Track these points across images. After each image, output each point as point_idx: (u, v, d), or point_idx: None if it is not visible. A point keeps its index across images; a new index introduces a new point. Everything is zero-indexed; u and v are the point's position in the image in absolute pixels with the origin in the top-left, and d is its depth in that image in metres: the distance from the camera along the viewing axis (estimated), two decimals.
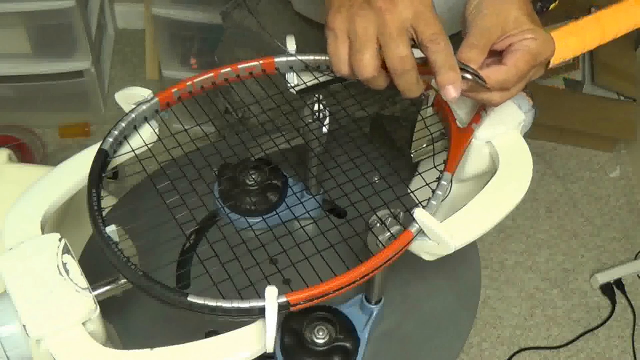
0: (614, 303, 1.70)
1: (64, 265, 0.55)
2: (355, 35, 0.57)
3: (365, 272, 0.56)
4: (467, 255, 0.84)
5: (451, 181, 0.63)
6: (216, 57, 1.05)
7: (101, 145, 0.63)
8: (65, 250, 0.56)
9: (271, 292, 0.53)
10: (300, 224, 0.68)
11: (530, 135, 0.70)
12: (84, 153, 0.64)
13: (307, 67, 0.69)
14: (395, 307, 0.78)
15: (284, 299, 0.53)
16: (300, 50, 0.69)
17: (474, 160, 0.70)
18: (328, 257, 0.59)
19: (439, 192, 0.61)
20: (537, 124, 0.71)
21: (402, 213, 0.64)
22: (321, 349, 0.70)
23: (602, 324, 1.68)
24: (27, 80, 1.76)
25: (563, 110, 1.89)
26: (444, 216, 0.60)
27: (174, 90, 0.67)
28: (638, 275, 1.76)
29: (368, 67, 0.57)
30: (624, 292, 1.72)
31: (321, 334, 0.70)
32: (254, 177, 0.82)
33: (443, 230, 0.57)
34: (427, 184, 0.62)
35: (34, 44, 1.70)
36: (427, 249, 0.60)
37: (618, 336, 1.67)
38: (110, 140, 0.63)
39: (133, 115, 0.65)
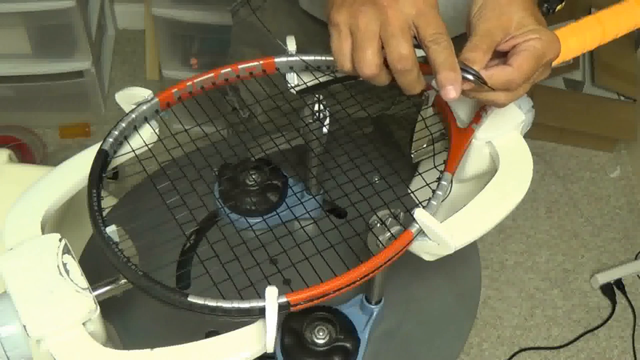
0: (614, 303, 1.70)
1: (64, 265, 0.55)
2: (357, 31, 0.57)
3: (365, 272, 0.56)
4: (467, 255, 0.84)
5: (451, 181, 0.62)
6: (228, 55, 1.05)
7: (101, 145, 0.63)
8: (65, 250, 0.56)
9: (271, 292, 0.53)
10: (300, 224, 0.68)
11: (530, 135, 0.69)
12: (84, 153, 0.63)
13: (307, 67, 0.69)
14: (395, 307, 0.78)
15: (284, 299, 0.53)
16: (306, 49, 0.69)
17: (474, 160, 0.69)
18: (328, 257, 0.59)
19: (439, 192, 0.61)
20: (537, 124, 0.71)
21: (402, 213, 0.64)
22: (321, 349, 0.70)
23: (602, 324, 1.68)
24: (27, 80, 1.75)
25: (563, 110, 1.89)
26: (444, 216, 0.60)
27: (174, 90, 0.67)
28: (638, 275, 1.76)
29: (369, 63, 0.57)
30: (624, 292, 1.72)
31: (321, 334, 0.70)
32: (254, 177, 0.82)
33: (443, 230, 0.57)
34: (427, 184, 0.62)
35: (34, 44, 1.70)
36: (427, 249, 0.60)
37: (618, 336, 1.67)
38: (110, 140, 0.63)
39: (133, 115, 0.65)
